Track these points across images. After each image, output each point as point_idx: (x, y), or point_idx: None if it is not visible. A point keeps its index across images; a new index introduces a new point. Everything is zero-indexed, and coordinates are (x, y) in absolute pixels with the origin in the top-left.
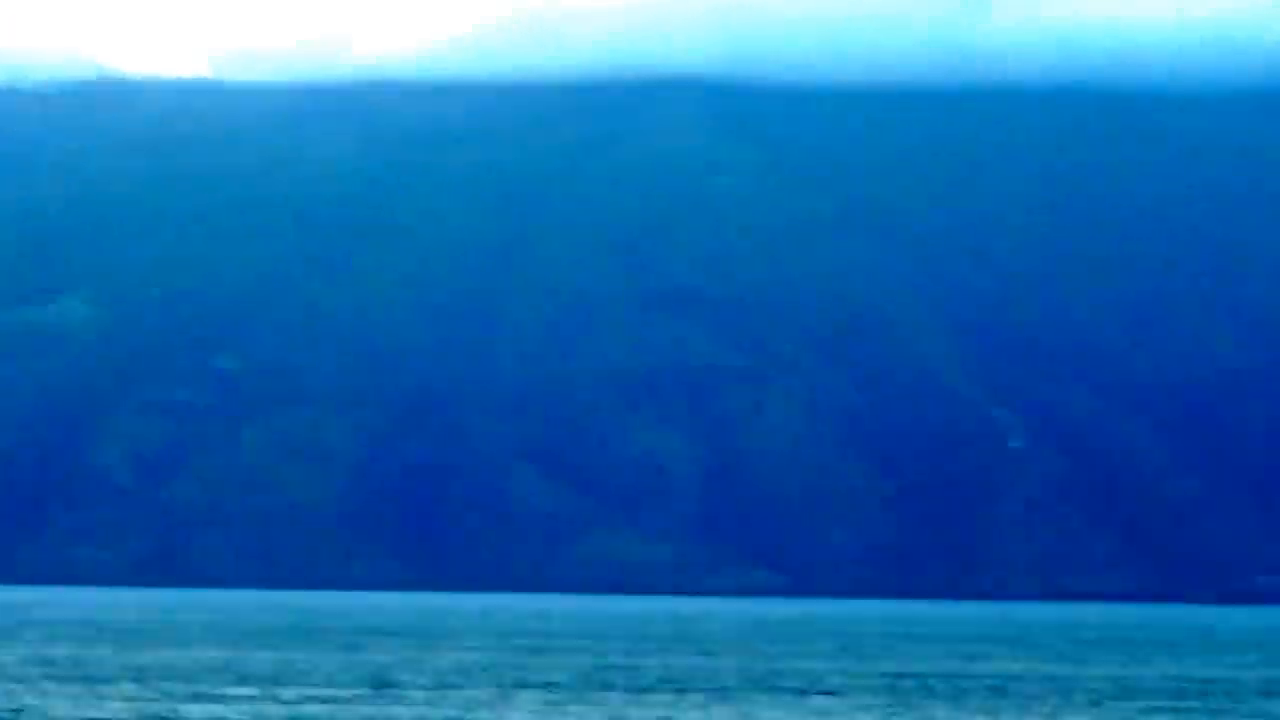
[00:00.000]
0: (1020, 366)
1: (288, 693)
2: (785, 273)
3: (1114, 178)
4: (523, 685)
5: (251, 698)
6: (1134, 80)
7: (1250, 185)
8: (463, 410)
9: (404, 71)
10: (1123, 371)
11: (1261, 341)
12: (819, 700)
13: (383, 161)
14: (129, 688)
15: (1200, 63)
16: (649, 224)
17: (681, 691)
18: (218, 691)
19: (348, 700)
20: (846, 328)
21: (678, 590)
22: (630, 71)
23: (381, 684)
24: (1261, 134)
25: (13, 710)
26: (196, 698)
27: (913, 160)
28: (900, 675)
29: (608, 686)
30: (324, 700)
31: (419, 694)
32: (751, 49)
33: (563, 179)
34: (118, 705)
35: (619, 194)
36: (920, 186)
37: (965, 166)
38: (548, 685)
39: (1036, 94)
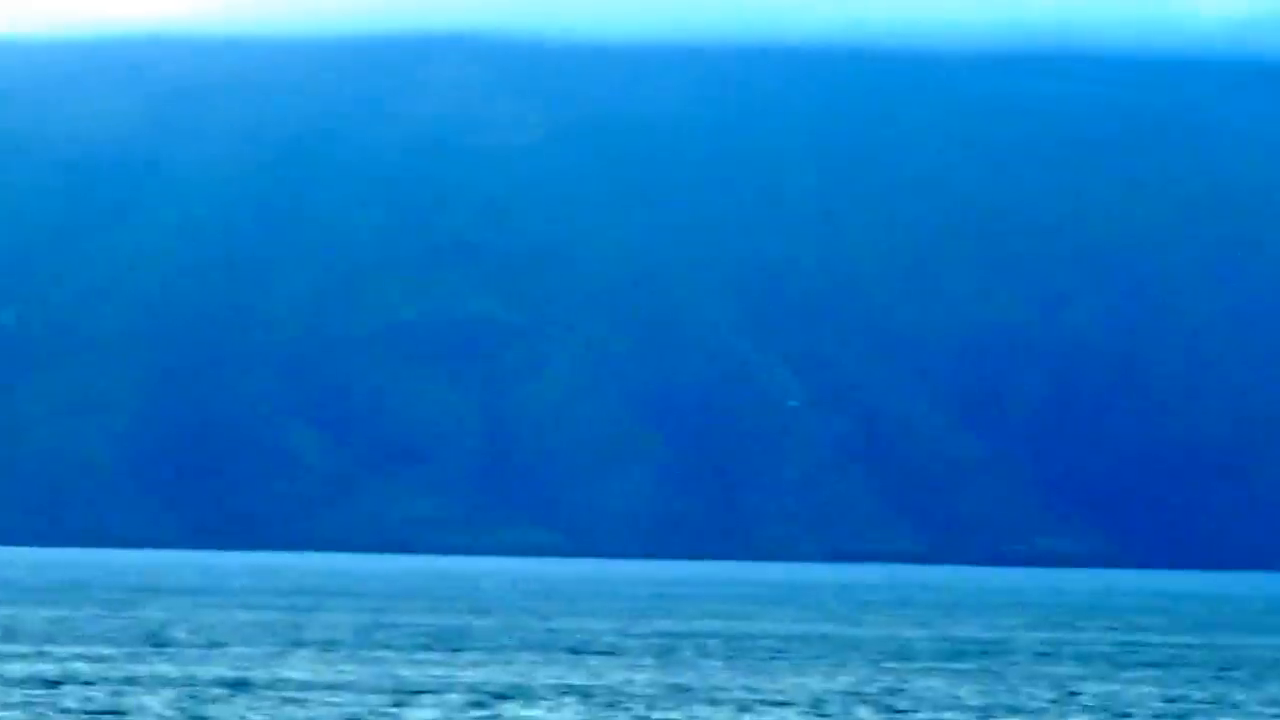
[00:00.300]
0: (798, 326)
1: (59, 650)
2: (565, 230)
3: (893, 137)
4: (299, 643)
5: (22, 655)
6: (922, 41)
7: (1023, 145)
8: (240, 366)
9: (183, 26)
10: (901, 333)
11: (1038, 303)
12: (594, 660)
13: (159, 116)
14: None
15: (977, 23)
16: (427, 180)
17: (456, 650)
18: None
19: (120, 659)
20: (626, 286)
21: (456, 549)
22: (410, 28)
23: (156, 642)
24: (1035, 94)
25: None
26: None
27: (692, 119)
28: (677, 635)
29: (384, 645)
30: (96, 659)
31: (193, 652)
32: (530, 6)
33: (342, 134)
34: None
35: (398, 150)
36: (700, 145)
37: (745, 125)
38: (324, 643)
39: (818, 53)
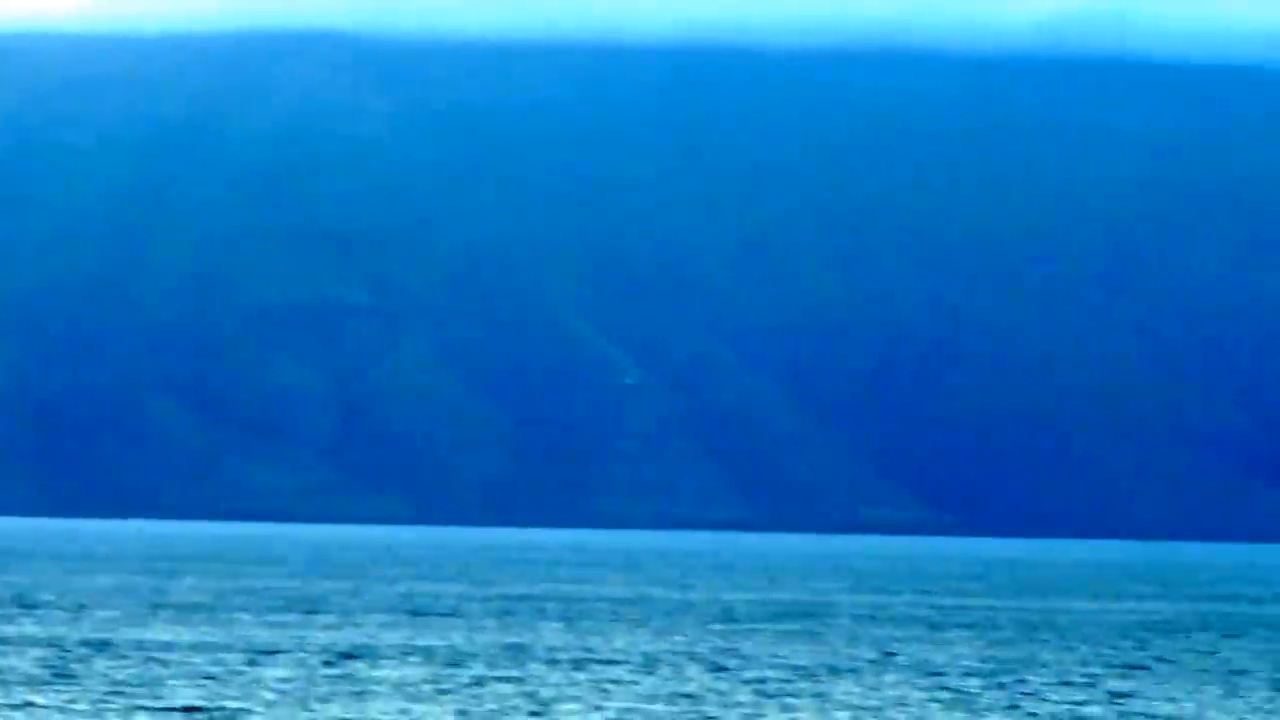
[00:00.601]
0: (635, 308)
1: None
2: (415, 217)
3: (729, 128)
4: (160, 606)
5: None
6: (758, 37)
7: (851, 137)
8: (105, 340)
9: (55, 24)
10: (733, 313)
11: (862, 284)
12: (437, 620)
13: (35, 109)
14: None
15: (803, 21)
16: (288, 168)
17: (310, 613)
18: None
19: None
20: (473, 270)
21: (312, 517)
22: (271, 25)
23: (23, 604)
24: (866, 89)
25: None
26: None
27: (533, 109)
28: (518, 598)
29: (241, 609)
30: None
31: (59, 614)
32: (380, 3)
33: (207, 126)
34: None
35: (258, 141)
36: (540, 135)
37: (584, 115)
38: (184, 606)
39: (659, 49)
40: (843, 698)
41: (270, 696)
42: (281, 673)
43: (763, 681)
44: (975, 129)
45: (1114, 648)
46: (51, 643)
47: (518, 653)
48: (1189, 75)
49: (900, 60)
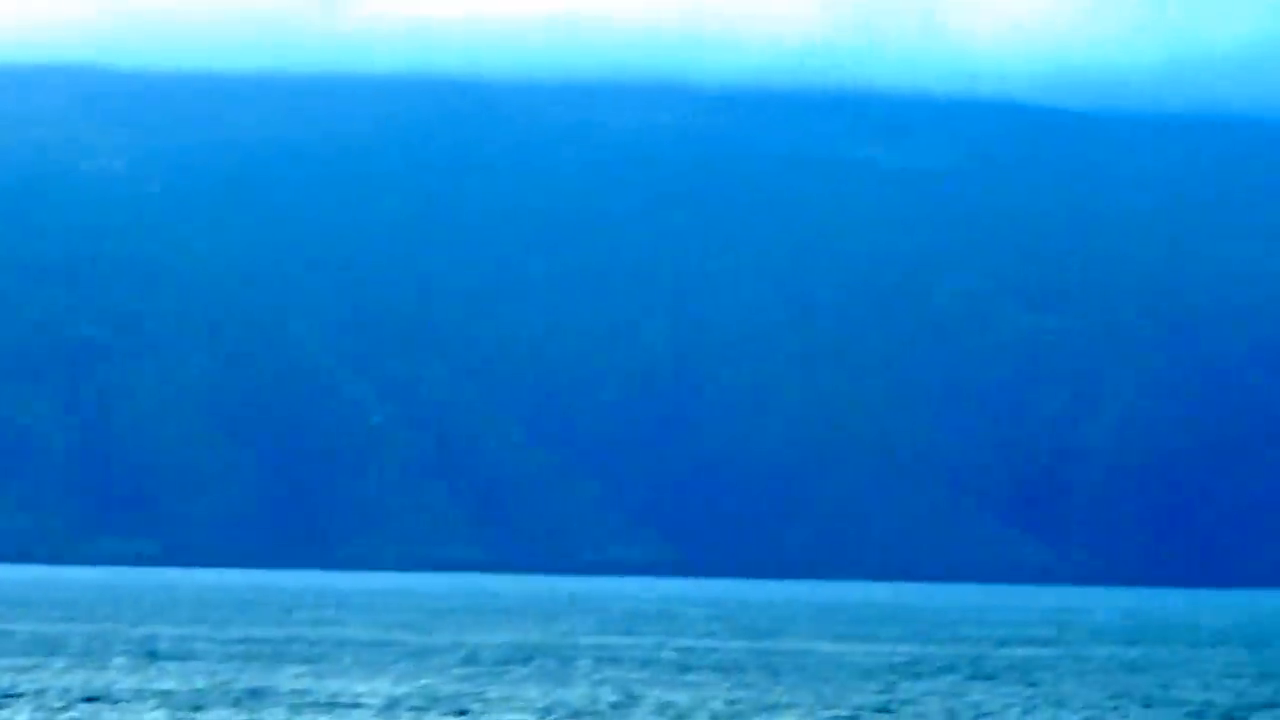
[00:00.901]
0: (382, 347)
1: None
2: (159, 252)
3: (476, 163)
4: None
5: None
6: (490, 74)
7: (592, 172)
8: None
9: None
10: (478, 353)
11: (605, 322)
12: (177, 664)
13: None
14: None
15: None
16: (29, 205)
17: (50, 655)
18: None
19: None
20: (218, 308)
21: (51, 559)
22: (16, 60)
23: None
24: (609, 122)
25: None
26: None
27: (277, 145)
28: (262, 640)
29: None
30: None
31: None
32: (121, 37)
33: None
34: None
35: (2, 176)
36: (285, 169)
37: (329, 152)
38: None
39: (400, 83)
40: None
41: None
42: (21, 717)
43: None
44: (716, 161)
45: (859, 690)
46: None
47: (259, 696)
48: (934, 110)
49: (641, 93)
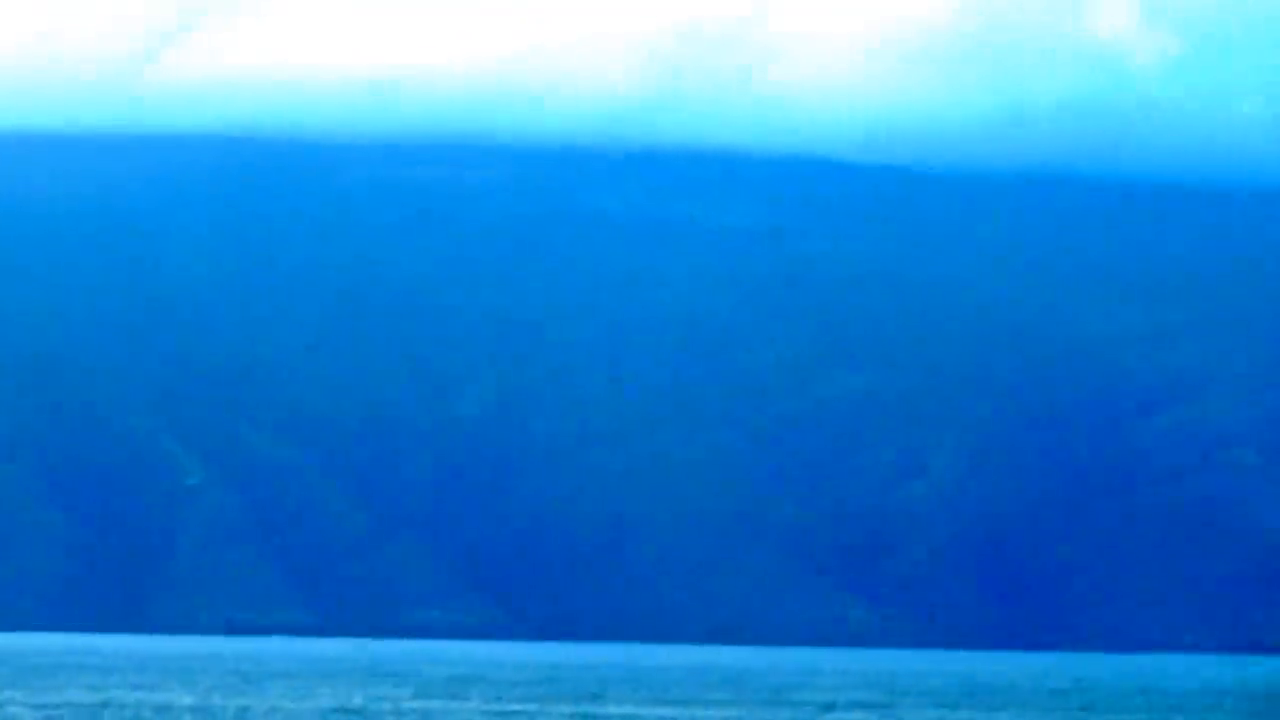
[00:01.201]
0: (200, 407)
1: None
2: None
3: (279, 223)
4: None
5: None
6: (313, 132)
7: (408, 232)
8: None
9: None
10: (299, 411)
11: (429, 384)
12: None
13: None
14: None
15: (355, 111)
16: None
17: None
18: None
19: None
20: (35, 366)
21: None
22: None
23: None
24: (425, 179)
25: None
26: None
27: (94, 200)
28: (74, 706)
29: None
30: None
31: None
32: None
33: None
34: None
35: None
36: (98, 227)
37: (143, 208)
38: None
39: (211, 141)
40: None
41: None
42: None
43: None
44: (529, 219)
45: None
46: None
47: None
48: (752, 168)
49: (452, 150)
